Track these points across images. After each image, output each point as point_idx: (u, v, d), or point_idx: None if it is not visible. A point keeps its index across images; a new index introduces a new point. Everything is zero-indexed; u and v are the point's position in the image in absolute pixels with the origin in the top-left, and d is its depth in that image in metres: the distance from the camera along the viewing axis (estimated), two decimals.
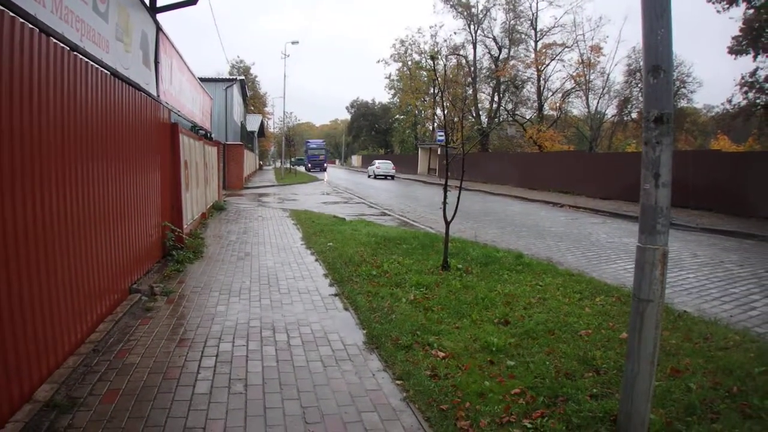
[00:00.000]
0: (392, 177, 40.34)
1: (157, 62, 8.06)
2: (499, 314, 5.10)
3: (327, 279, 6.69)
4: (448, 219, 7.25)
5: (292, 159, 51.87)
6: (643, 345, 2.83)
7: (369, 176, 42.12)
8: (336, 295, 5.93)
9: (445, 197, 7.13)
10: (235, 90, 31.40)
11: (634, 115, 39.07)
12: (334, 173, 53.91)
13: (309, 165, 57.57)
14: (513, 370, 3.86)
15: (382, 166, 41.18)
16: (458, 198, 7.26)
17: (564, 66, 50.34)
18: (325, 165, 58.12)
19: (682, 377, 3.71)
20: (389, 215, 15.37)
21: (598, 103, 41.18)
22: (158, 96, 8.17)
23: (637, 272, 2.86)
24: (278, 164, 65.64)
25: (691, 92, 38.92)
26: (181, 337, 4.45)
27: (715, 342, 4.39)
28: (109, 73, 5.18)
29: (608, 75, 39.67)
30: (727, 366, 3.86)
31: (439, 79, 8.08)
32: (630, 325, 2.92)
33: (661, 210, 2.75)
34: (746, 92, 22.14)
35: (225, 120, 28.39)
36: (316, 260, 7.89)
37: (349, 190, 27.22)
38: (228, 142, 26.45)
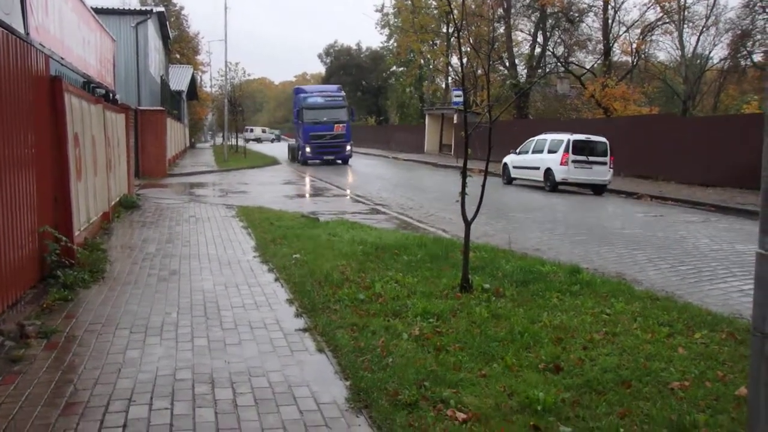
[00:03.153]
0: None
1: None
2: (547, 356, 5.09)
3: (292, 307, 6.67)
4: (469, 217, 7.24)
5: (246, 132, 49.43)
6: None
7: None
8: (305, 330, 5.90)
9: (464, 186, 7.11)
10: (151, 28, 31.30)
11: (757, 58, 38.58)
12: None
13: (308, 148, 36.03)
14: None
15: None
16: (483, 187, 7.27)
17: None
18: (349, 148, 37.17)
19: None
20: (383, 213, 15.40)
21: (698, 41, 41.11)
22: (27, 33, 8.07)
23: (758, 294, 2.83)
24: (219, 140, 65.56)
25: None
26: (68, 400, 4.37)
27: None
28: None
29: None
30: None
31: (454, 11, 8.08)
32: (750, 376, 2.89)
33: None
34: None
35: (136, 74, 28.31)
36: (276, 280, 7.88)
37: (325, 178, 27.23)
38: (142, 107, 26.39)
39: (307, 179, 26.60)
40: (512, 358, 5.05)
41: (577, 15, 43.19)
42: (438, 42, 57.19)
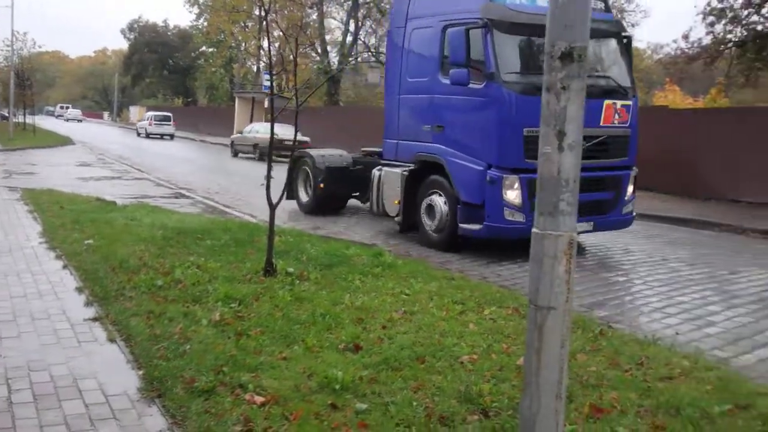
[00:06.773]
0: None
1: None
2: (347, 337, 5.18)
3: (82, 295, 6.28)
4: (274, 201, 7.22)
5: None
6: (543, 371, 2.95)
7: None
8: (96, 319, 5.58)
9: (269, 170, 7.08)
10: None
11: None
12: (100, 134, 50.63)
13: (511, 195, 8.74)
14: (365, 416, 3.94)
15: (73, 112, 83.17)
16: (289, 171, 7.28)
17: None
18: (631, 191, 9.95)
19: (607, 418, 4.02)
20: (188, 197, 15.01)
21: None
22: None
23: (533, 269, 3.00)
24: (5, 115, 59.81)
25: (633, 25, 40.06)
26: None
27: (654, 369, 4.81)
28: None
29: None
30: (672, 402, 4.22)
31: None
32: (527, 344, 3.05)
33: (566, 182, 2.91)
34: (712, 23, 22.78)
35: None
36: (65, 267, 7.37)
37: (125, 159, 25.86)
38: None
39: (105, 161, 24.88)
40: (313, 340, 5.09)
41: (388, 6, 44.46)
42: (250, 24, 56.08)
